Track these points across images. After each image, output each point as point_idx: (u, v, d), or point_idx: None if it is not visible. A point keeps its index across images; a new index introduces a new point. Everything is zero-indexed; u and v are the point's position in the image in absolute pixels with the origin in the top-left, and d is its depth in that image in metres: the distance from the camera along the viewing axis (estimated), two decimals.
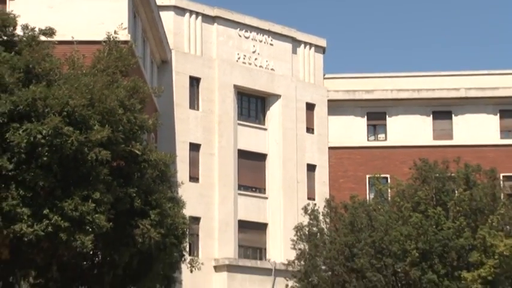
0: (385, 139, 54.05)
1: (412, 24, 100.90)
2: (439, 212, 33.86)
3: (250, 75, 50.84)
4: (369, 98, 53.98)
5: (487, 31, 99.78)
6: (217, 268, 47.41)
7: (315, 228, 37.31)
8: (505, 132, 53.60)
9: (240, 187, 49.65)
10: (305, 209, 38.03)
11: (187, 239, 22.36)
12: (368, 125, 54.33)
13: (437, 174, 35.84)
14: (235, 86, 50.20)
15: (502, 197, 36.71)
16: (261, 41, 51.65)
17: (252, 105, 51.94)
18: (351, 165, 53.01)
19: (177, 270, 22.38)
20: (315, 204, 39.57)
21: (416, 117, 53.79)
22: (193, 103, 48.99)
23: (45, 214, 18.47)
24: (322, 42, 54.70)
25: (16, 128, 18.30)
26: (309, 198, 49.48)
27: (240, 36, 50.99)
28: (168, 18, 47.81)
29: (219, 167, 48.63)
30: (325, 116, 53.62)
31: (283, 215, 49.97)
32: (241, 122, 50.54)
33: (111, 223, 19.00)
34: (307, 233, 37.38)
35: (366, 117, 54.24)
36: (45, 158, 18.31)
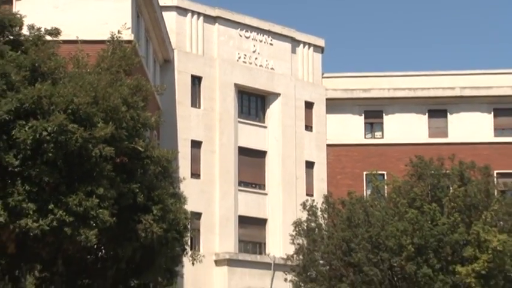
0: (382, 137, 54.06)
1: (408, 24, 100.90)
2: (434, 208, 33.85)
3: (250, 74, 50.84)
4: (366, 97, 53.99)
5: (482, 31, 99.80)
6: (217, 262, 47.44)
7: (313, 224, 37.30)
8: (498, 130, 53.61)
9: (240, 183, 49.67)
10: (304, 205, 38.01)
11: (188, 233, 22.35)
12: (365, 123, 54.34)
13: (433, 171, 35.83)
14: (236, 85, 50.20)
15: (495, 193, 36.69)
16: (261, 41, 51.65)
17: (252, 103, 51.96)
18: (349, 162, 53.03)
19: (179, 264, 22.36)
20: (314, 200, 39.56)
21: (412, 115, 53.80)
22: (195, 101, 49.00)
23: (50, 209, 18.47)
24: (321, 42, 54.70)
25: (22, 125, 18.29)
26: (307, 195, 49.50)
27: (240, 36, 50.98)
28: (170, 19, 47.81)
29: (219, 164, 48.65)
30: (323, 114, 53.63)
31: (283, 210, 49.99)
32: (242, 120, 50.55)
33: (114, 218, 19.00)
34: (305, 228, 37.37)
35: (363, 115, 54.25)
36: (50, 155, 18.30)
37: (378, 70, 64.93)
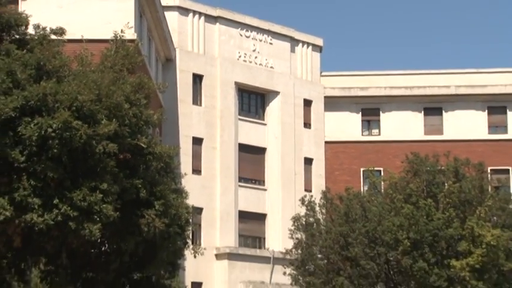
0: (379, 134, 54.07)
1: (405, 24, 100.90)
2: (430, 203, 33.86)
3: (250, 73, 50.84)
4: (363, 95, 54.00)
5: (477, 31, 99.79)
6: (218, 256, 47.46)
7: (311, 219, 37.32)
8: (492, 127, 53.63)
9: (240, 179, 49.69)
10: (302, 201, 38.03)
11: (190, 228, 22.35)
12: (362, 121, 54.35)
13: (428, 168, 35.84)
14: (236, 83, 50.21)
15: (489, 189, 36.73)
16: (261, 40, 51.65)
17: (252, 101, 51.97)
18: (346, 158, 53.05)
19: (181, 257, 22.36)
20: (312, 195, 39.57)
21: (409, 113, 53.81)
22: (196, 99, 49.01)
23: (55, 204, 18.47)
24: (319, 42, 54.69)
25: (28, 121, 18.29)
26: (306, 190, 49.51)
27: (241, 35, 50.98)
28: (172, 18, 47.81)
29: (220, 160, 48.67)
30: (321, 112, 53.64)
31: (282, 206, 50.00)
32: (242, 117, 50.56)
33: (117, 213, 19.00)
34: (304, 223, 37.39)
35: (360, 113, 54.26)
36: (55, 151, 18.30)
37: (375, 69, 64.84)
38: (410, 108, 53.82)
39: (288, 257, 37.96)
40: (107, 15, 36.68)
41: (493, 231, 33.12)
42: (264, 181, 50.95)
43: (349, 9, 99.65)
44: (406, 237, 33.06)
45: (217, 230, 47.85)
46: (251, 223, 49.85)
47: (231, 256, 47.48)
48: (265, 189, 50.73)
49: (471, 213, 34.29)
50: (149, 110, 20.69)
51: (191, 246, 23.15)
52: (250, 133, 50.71)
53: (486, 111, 53.60)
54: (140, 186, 19.64)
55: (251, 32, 51.29)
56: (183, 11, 49.08)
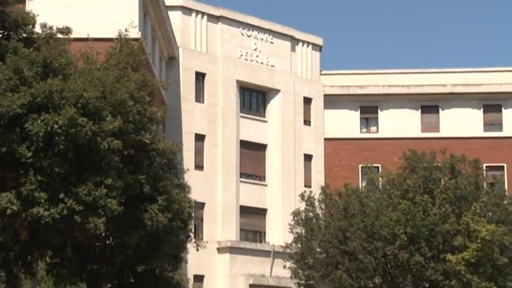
0: (377, 131, 54.06)
1: (403, 24, 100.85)
2: (426, 199, 33.86)
3: (251, 71, 50.84)
4: (362, 93, 53.99)
5: (473, 31, 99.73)
6: (220, 250, 47.48)
7: (311, 214, 37.32)
8: (488, 125, 53.63)
9: (241, 175, 49.70)
10: (302, 196, 38.03)
11: (192, 221, 22.34)
12: (361, 118, 54.34)
13: (425, 164, 35.84)
14: (238, 81, 50.20)
15: (484, 185, 36.73)
16: (262, 39, 51.63)
17: (254, 99, 51.96)
18: (345, 155, 53.04)
19: (183, 250, 22.37)
20: (311, 191, 39.58)
21: (406, 111, 53.80)
22: (199, 97, 49.00)
23: (61, 198, 18.47)
24: (319, 41, 54.67)
25: (34, 118, 18.29)
26: (305, 186, 49.49)
27: (242, 34, 50.96)
28: (175, 18, 47.80)
29: (222, 156, 48.68)
30: (321, 110, 53.63)
31: (282, 201, 50.01)
32: (243, 115, 50.56)
33: (122, 207, 19.00)
34: (303, 218, 37.40)
35: (359, 110, 54.25)
36: (61, 147, 18.30)
37: (374, 68, 64.84)
38: (408, 106, 53.81)
39: (287, 250, 37.98)
40: (112, 14, 36.69)
41: (488, 227, 33.12)
42: (264, 177, 50.96)
43: (349, 9, 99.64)
44: (403, 232, 33.06)
45: (219, 225, 47.88)
46: (252, 218, 49.87)
47: (233, 250, 47.51)
48: (266, 185, 50.74)
49: (467, 208, 34.28)
50: (153, 107, 20.69)
51: (193, 240, 23.17)
52: (251, 130, 50.71)
53: (481, 109, 53.59)
54: (144, 181, 19.65)
55: (252, 31, 51.28)
56: (186, 10, 49.07)
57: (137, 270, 21.27)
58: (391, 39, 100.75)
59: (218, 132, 48.86)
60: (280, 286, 47.66)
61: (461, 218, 33.63)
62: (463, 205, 34.61)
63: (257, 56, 51.29)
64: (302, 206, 38.05)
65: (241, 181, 49.45)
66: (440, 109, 53.77)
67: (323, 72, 54.59)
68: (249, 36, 51.19)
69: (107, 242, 20.95)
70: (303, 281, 36.96)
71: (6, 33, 20.38)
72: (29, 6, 32.93)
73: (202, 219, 47.10)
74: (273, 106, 51.74)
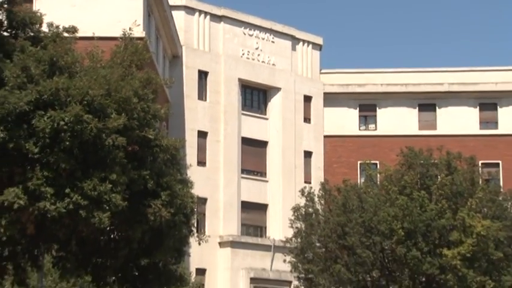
0: (375, 129, 54.07)
1: (401, 24, 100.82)
2: (423, 195, 33.84)
3: (253, 70, 50.84)
4: (361, 91, 53.99)
5: (470, 31, 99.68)
6: (221, 244, 47.51)
7: (310, 209, 37.30)
8: (484, 123, 53.64)
9: (243, 171, 49.72)
10: (302, 192, 38.01)
11: (195, 216, 22.34)
12: (360, 116, 54.35)
13: (422, 161, 35.82)
14: (240, 79, 50.22)
15: (480, 182, 36.69)
16: (263, 39, 51.64)
17: (255, 97, 51.97)
18: (344, 152, 53.05)
19: (186, 244, 22.37)
20: (311, 187, 39.59)
21: (404, 109, 53.80)
22: (202, 94, 49.02)
23: (67, 193, 18.48)
24: (319, 40, 54.67)
25: (41, 115, 18.31)
26: (305, 182, 49.54)
27: (244, 34, 50.96)
28: (179, 17, 47.82)
29: (224, 153, 48.70)
30: (321, 108, 53.64)
31: (282, 196, 50.03)
32: (245, 112, 50.58)
33: (126, 202, 19.00)
34: (303, 213, 37.38)
35: (358, 108, 54.26)
36: (67, 143, 18.31)
37: (372, 67, 64.88)
38: (406, 104, 53.81)
39: (288, 245, 37.98)
40: (117, 14, 36.71)
41: (483, 222, 33.11)
42: (265, 173, 50.98)
43: (348, 9, 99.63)
44: (401, 227, 33.06)
45: (221, 219, 47.91)
46: (253, 213, 49.90)
47: (234, 244, 47.55)
48: (267, 181, 50.76)
49: (462, 204, 34.27)
50: (156, 105, 20.69)
51: (196, 235, 23.16)
52: (253, 127, 50.72)
53: (478, 107, 53.60)
54: (147, 177, 19.66)
55: (254, 30, 51.27)
56: (190, 10, 49.08)
57: (141, 263, 21.28)
58: (390, 39, 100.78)
59: (220, 129, 48.88)
60: (281, 279, 47.72)
61: (457, 214, 33.62)
62: (459, 201, 34.59)
63: (258, 54, 51.29)
64: (302, 201, 38.05)
65: (242, 177, 49.47)
66: (437, 107, 53.78)
67: (323, 71, 54.59)
68: (250, 35, 51.19)
69: (112, 236, 20.97)
70: (303, 275, 36.98)
71: (13, 32, 20.39)
72: (36, 6, 32.94)
73: (204, 214, 47.14)
74: (274, 104, 51.75)
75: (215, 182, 47.90)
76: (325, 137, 53.16)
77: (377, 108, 54.11)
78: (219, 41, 49.91)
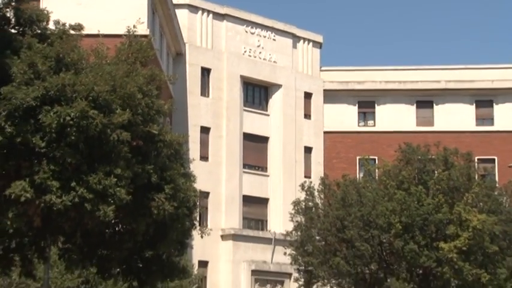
0: (374, 125, 54.05)
1: (399, 23, 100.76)
2: (421, 189, 33.87)
3: (255, 67, 50.81)
4: (360, 88, 53.97)
5: (467, 30, 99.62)
6: (223, 237, 47.53)
7: (310, 203, 37.35)
8: (480, 120, 53.62)
9: (244, 166, 49.72)
10: (302, 186, 38.06)
11: (197, 209, 22.32)
12: (359, 112, 54.34)
13: (420, 157, 35.84)
14: (242, 76, 50.19)
15: (476, 177, 36.73)
16: (265, 37, 51.59)
17: (256, 93, 51.95)
18: (343, 147, 53.05)
19: (189, 237, 22.35)
20: (311, 181, 39.60)
21: (402, 105, 53.78)
22: (204, 91, 49.00)
23: (73, 187, 18.45)
24: (319, 38, 54.62)
25: (48, 110, 18.27)
26: (305, 177, 49.54)
27: (246, 32, 50.93)
28: (182, 15, 47.79)
29: (226, 148, 48.70)
30: (321, 104, 53.61)
31: (283, 191, 50.03)
32: (247, 108, 50.56)
33: (130, 196, 18.98)
34: (303, 207, 37.43)
35: (357, 105, 54.24)
36: (73, 138, 18.28)
37: (371, 64, 64.81)
38: (404, 101, 53.79)
39: (288, 238, 38.02)
40: (122, 12, 36.68)
41: (479, 216, 33.13)
42: (266, 168, 50.98)
43: (348, 8, 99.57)
44: (398, 221, 33.09)
45: (223, 213, 47.92)
46: (254, 207, 49.91)
47: (236, 237, 47.57)
48: (268, 175, 50.76)
49: (459, 199, 34.29)
50: (160, 100, 20.65)
51: (198, 228, 23.13)
52: (254, 123, 50.71)
53: (474, 104, 53.58)
54: (151, 171, 19.63)
55: (256, 28, 51.24)
56: (193, 8, 49.05)
57: (145, 255, 21.27)
58: (388, 37, 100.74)
59: (222, 125, 48.87)
60: (281, 272, 47.75)
61: (453, 208, 33.64)
62: (455, 196, 34.62)
63: (260, 52, 51.25)
64: (302, 195, 38.08)
65: (244, 172, 49.47)
66: (434, 104, 53.75)
67: (323, 68, 54.56)
68: (252, 33, 51.15)
69: (116, 228, 20.94)
70: (303, 267, 37.05)
71: (21, 29, 20.35)
72: (43, 4, 32.89)
73: (206, 208, 47.15)
74: (275, 100, 51.72)
75: (217, 177, 47.89)
76: (325, 132, 53.15)
77: (376, 104, 54.08)
78: (221, 38, 49.87)
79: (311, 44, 53.89)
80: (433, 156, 36.05)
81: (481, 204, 34.98)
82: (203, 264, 46.45)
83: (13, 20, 20.27)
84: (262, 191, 50.28)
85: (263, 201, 50.37)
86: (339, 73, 54.59)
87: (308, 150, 52.32)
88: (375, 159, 45.98)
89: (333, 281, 35.89)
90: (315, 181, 40.20)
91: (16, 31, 20.30)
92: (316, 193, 37.40)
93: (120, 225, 20.77)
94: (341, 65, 56.42)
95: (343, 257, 34.28)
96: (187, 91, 47.77)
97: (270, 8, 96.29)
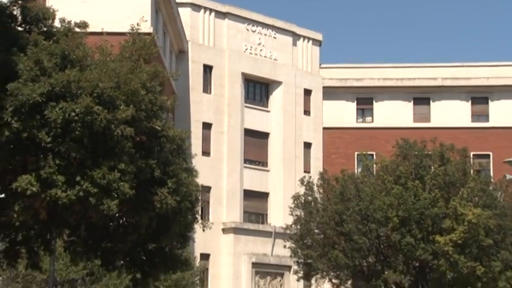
0: (372, 121, 54.03)
1: (397, 21, 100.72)
2: (417, 184, 33.84)
3: (256, 64, 50.79)
4: (358, 85, 53.94)
5: (463, 28, 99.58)
6: (225, 231, 47.56)
7: (309, 198, 37.32)
8: (475, 116, 53.61)
9: (245, 161, 49.74)
10: (301, 181, 38.02)
11: (199, 204, 22.30)
12: (357, 109, 54.32)
13: (416, 152, 35.79)
14: (243, 73, 50.18)
15: (471, 172, 36.68)
16: (265, 35, 51.57)
17: (257, 90, 51.94)
18: (342, 143, 53.04)
19: (191, 230, 22.35)
20: (310, 176, 39.58)
21: (399, 102, 53.75)
22: (206, 88, 49.00)
23: (78, 181, 18.43)
24: (319, 36, 54.59)
25: (53, 106, 18.25)
26: (305, 172, 49.54)
27: (247, 30, 50.90)
28: (185, 14, 47.78)
29: (227, 143, 48.71)
30: (320, 101, 53.59)
31: (283, 185, 50.05)
32: (248, 105, 50.55)
33: (133, 190, 18.97)
34: (303, 201, 37.40)
35: (355, 102, 54.22)
36: (77, 133, 18.26)
37: (370, 62, 64.75)
38: (401, 98, 53.77)
39: (288, 231, 38.01)
40: (126, 10, 36.67)
41: (474, 210, 33.10)
42: (267, 163, 50.99)
43: (347, 7, 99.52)
44: (395, 215, 33.06)
45: (224, 207, 47.94)
46: (255, 201, 49.93)
47: (237, 230, 47.60)
48: (268, 170, 50.77)
49: (455, 193, 34.25)
50: (163, 97, 20.63)
51: (200, 221, 23.13)
52: (255, 119, 50.71)
53: (470, 101, 53.57)
54: (154, 166, 19.62)
55: (257, 27, 51.21)
56: (195, 7, 49.04)
57: (148, 248, 21.27)
58: (386, 35, 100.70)
59: (224, 121, 48.87)
60: (281, 264, 47.79)
61: (449, 203, 33.61)
62: (451, 190, 34.58)
63: (261, 50, 51.23)
64: (302, 190, 38.07)
65: (245, 167, 49.49)
66: (431, 101, 53.74)
67: (322, 65, 54.54)
68: (253, 31, 51.13)
69: (120, 222, 20.94)
70: (302, 260, 37.02)
71: (27, 27, 20.33)
72: (49, 2, 32.89)
73: (208, 202, 47.18)
74: (276, 97, 51.72)
75: (219, 171, 47.91)
76: (324, 129, 53.14)
77: (374, 101, 54.07)
78: (223, 36, 49.85)
79: (311, 42, 53.85)
80: (429, 152, 36.01)
81: (476, 198, 34.94)
82: (205, 256, 46.49)
83: (20, 18, 20.26)
84: (262, 185, 50.29)
85: (263, 196, 50.38)
86: (338, 70, 54.55)
87: (307, 145, 52.32)
88: (372, 154, 45.97)
89: (332, 274, 35.88)
90: (314, 176, 40.17)
91: (23, 29, 20.28)
92: (315, 188, 37.36)
93: (123, 219, 20.77)
94: (340, 62, 56.36)
95: (341, 250, 34.27)
96: (190, 88, 47.77)
97: (271, 7, 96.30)
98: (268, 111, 51.53)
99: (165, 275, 27.71)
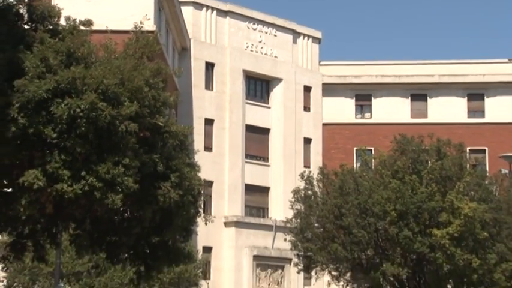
0: (370, 117, 54.05)
1: (395, 20, 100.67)
2: (415, 179, 33.82)
3: (256, 62, 50.78)
4: (357, 82, 53.95)
5: (460, 25, 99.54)
6: (226, 224, 47.61)
7: (309, 192, 37.31)
8: (471, 112, 53.64)
9: (247, 156, 49.77)
10: (301, 176, 38.01)
11: (202, 197, 22.30)
12: (356, 105, 54.34)
13: (414, 147, 35.77)
14: (244, 71, 50.18)
15: (467, 167, 36.66)
16: (266, 32, 51.56)
17: (258, 87, 51.96)
18: (341, 139, 53.06)
19: (194, 224, 22.36)
20: (310, 171, 39.59)
21: (397, 99, 53.77)
22: (208, 84, 49.01)
23: (83, 176, 18.42)
24: (318, 34, 54.58)
25: (59, 102, 18.23)
26: (305, 166, 49.56)
27: (248, 28, 50.89)
28: (187, 12, 47.78)
29: (229, 139, 48.72)
30: (319, 97, 53.60)
31: (283, 180, 50.08)
32: (249, 101, 50.56)
33: (137, 184, 18.97)
34: (303, 195, 37.39)
35: (354, 98, 54.23)
36: (83, 129, 18.25)
37: (368, 59, 64.74)
38: (399, 94, 53.79)
39: (288, 225, 38.03)
40: (129, 9, 36.66)
41: (470, 204, 33.08)
42: (267, 158, 51.02)
43: (346, 6, 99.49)
44: (393, 209, 33.06)
45: (226, 201, 47.99)
46: (256, 195, 49.97)
47: (238, 224, 47.65)
48: (269, 165, 50.80)
49: (451, 188, 34.25)
50: (166, 93, 20.63)
51: (203, 215, 23.13)
52: (256, 115, 50.73)
53: (466, 97, 53.58)
54: (158, 160, 19.61)
55: (257, 25, 51.20)
56: (198, 5, 49.03)
57: (152, 241, 21.26)
58: (384, 33, 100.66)
59: (226, 117, 48.89)
60: (281, 257, 47.84)
61: (446, 197, 33.60)
62: (447, 184, 34.57)
63: (261, 47, 51.23)
64: (302, 184, 38.07)
65: (246, 162, 49.52)
66: (428, 97, 53.75)
67: (322, 62, 54.55)
68: (254, 29, 51.12)
69: (125, 215, 20.95)
70: (302, 253, 37.04)
71: (33, 25, 20.32)
72: (54, 1, 32.89)
73: (210, 196, 47.22)
74: (276, 93, 51.72)
75: (221, 166, 47.93)
76: (323, 124, 53.16)
77: (372, 98, 54.08)
78: (224, 34, 49.85)
79: (310, 39, 53.84)
80: (426, 147, 35.99)
81: (472, 192, 34.94)
82: (207, 250, 46.54)
83: (26, 16, 20.25)
84: (263, 180, 50.32)
85: (264, 190, 50.42)
86: (337, 67, 54.55)
87: (307, 141, 52.35)
88: (371, 149, 45.95)
89: (331, 266, 35.90)
90: (314, 171, 40.18)
91: (29, 27, 20.28)
92: (315, 182, 37.35)
93: (128, 213, 20.77)
94: (339, 59, 56.39)
95: (340, 243, 34.27)
96: (192, 84, 47.78)
97: (271, 5, 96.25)
98: (269, 108, 51.53)
99: (168, 268, 27.75)
